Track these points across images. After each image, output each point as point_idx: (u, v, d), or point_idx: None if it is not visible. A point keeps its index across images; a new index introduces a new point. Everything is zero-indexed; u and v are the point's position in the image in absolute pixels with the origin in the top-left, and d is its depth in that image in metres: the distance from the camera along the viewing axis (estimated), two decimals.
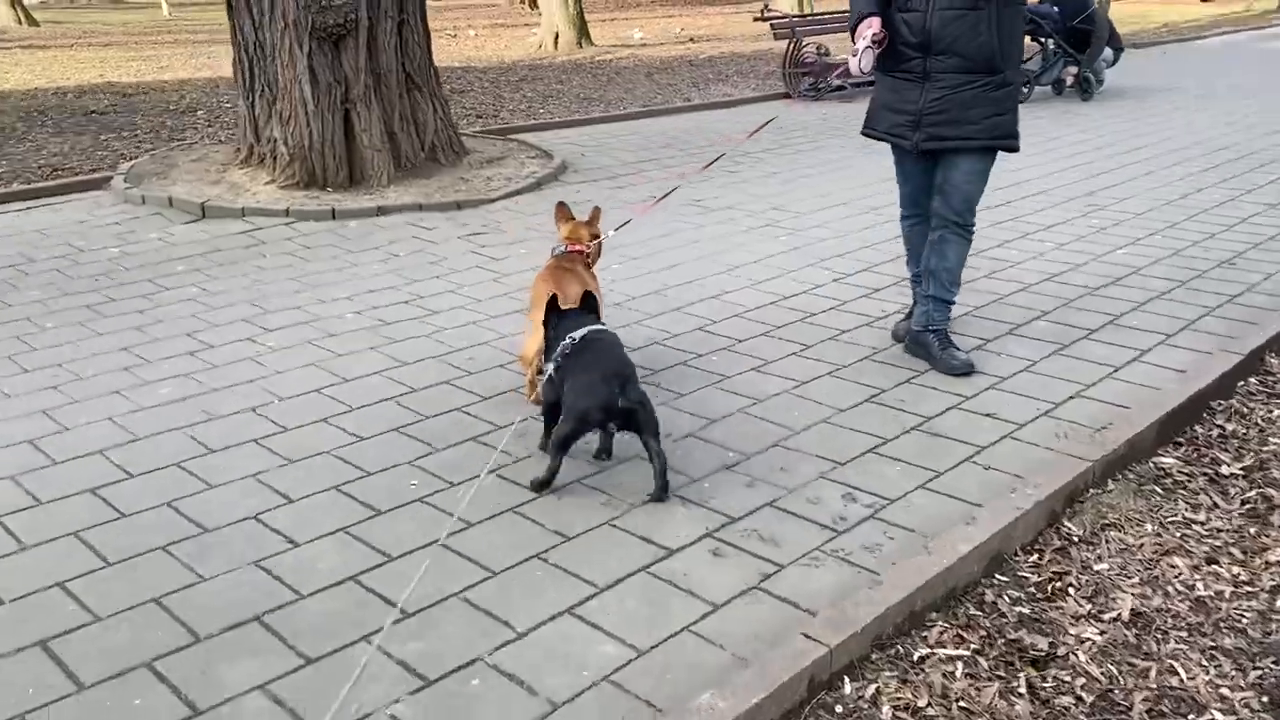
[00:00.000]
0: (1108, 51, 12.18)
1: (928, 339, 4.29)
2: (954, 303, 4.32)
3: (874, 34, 3.89)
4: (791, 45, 12.46)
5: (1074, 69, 12.04)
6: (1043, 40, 11.89)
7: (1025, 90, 11.54)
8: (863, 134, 4.39)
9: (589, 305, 3.59)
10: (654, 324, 4.91)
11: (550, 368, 3.34)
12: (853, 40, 4.00)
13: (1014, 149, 4.06)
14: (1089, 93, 11.92)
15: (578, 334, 3.34)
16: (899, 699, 2.38)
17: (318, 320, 5.01)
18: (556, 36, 18.54)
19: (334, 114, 7.31)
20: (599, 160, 8.82)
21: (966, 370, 4.17)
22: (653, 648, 2.56)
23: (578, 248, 4.06)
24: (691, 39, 20.17)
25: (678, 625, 2.65)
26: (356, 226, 6.76)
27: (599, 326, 3.46)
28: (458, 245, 6.33)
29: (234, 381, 4.27)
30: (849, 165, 8.50)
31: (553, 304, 3.52)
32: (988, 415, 3.85)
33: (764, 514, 3.22)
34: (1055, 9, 11.69)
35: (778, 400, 4.05)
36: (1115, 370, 4.23)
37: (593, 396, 3.18)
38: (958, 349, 4.26)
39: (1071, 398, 3.99)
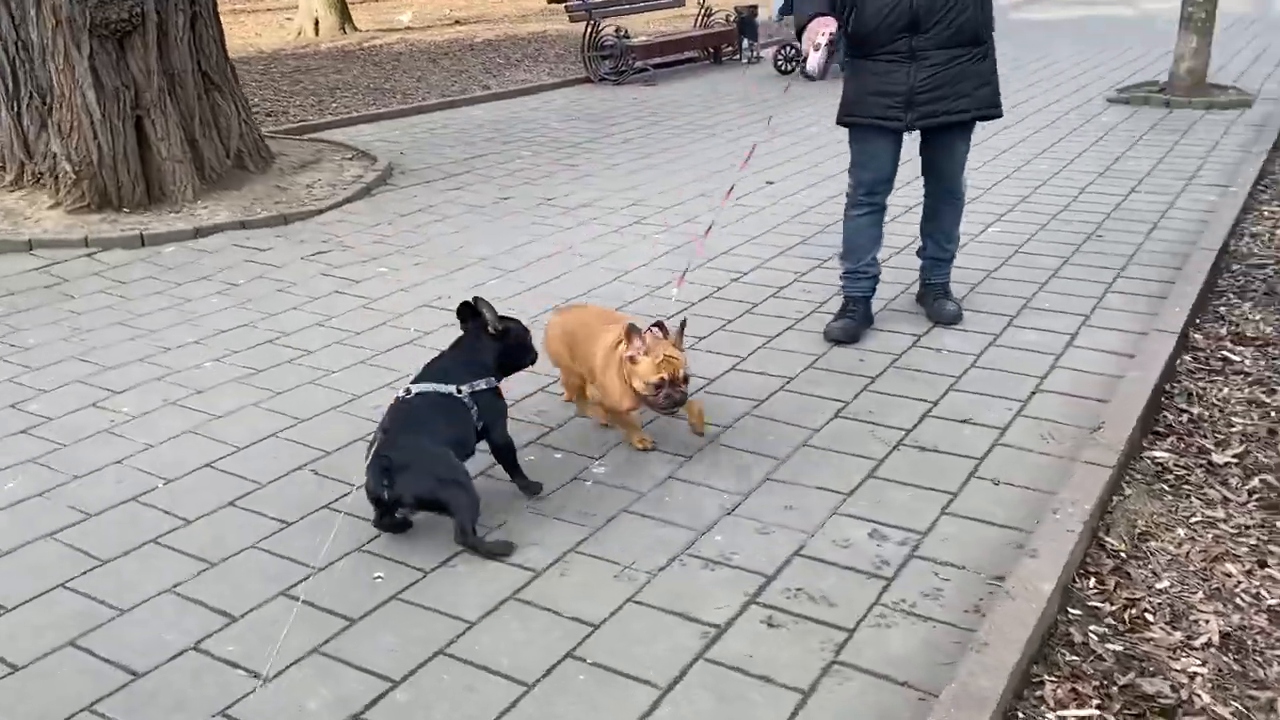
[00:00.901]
0: None
1: (925, 292, 4.62)
2: (954, 256, 4.59)
3: (831, 34, 3.72)
4: (589, 28, 12.09)
5: None
6: None
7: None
8: (841, 123, 4.23)
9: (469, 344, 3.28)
10: None
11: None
12: (799, 40, 3.82)
13: (1000, 115, 4.16)
14: None
15: (411, 390, 3.07)
16: None
17: (172, 373, 4.25)
18: (316, 22, 17.37)
19: (124, 123, 6.35)
20: (424, 158, 8.17)
21: (955, 318, 4.47)
22: None
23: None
24: (458, 21, 19.41)
25: None
26: (174, 253, 5.88)
27: (426, 387, 3.07)
28: (304, 268, 5.61)
29: (97, 464, 3.50)
30: (689, 152, 8.27)
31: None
32: (964, 421, 3.69)
33: (797, 567, 2.90)
34: None
35: (744, 425, 3.73)
36: (1058, 358, 4.19)
37: (369, 477, 2.91)
38: (950, 300, 4.54)
39: (1034, 393, 3.90)
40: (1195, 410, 3.72)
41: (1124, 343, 4.28)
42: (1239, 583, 2.78)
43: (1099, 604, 2.70)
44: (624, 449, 3.56)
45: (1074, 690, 2.39)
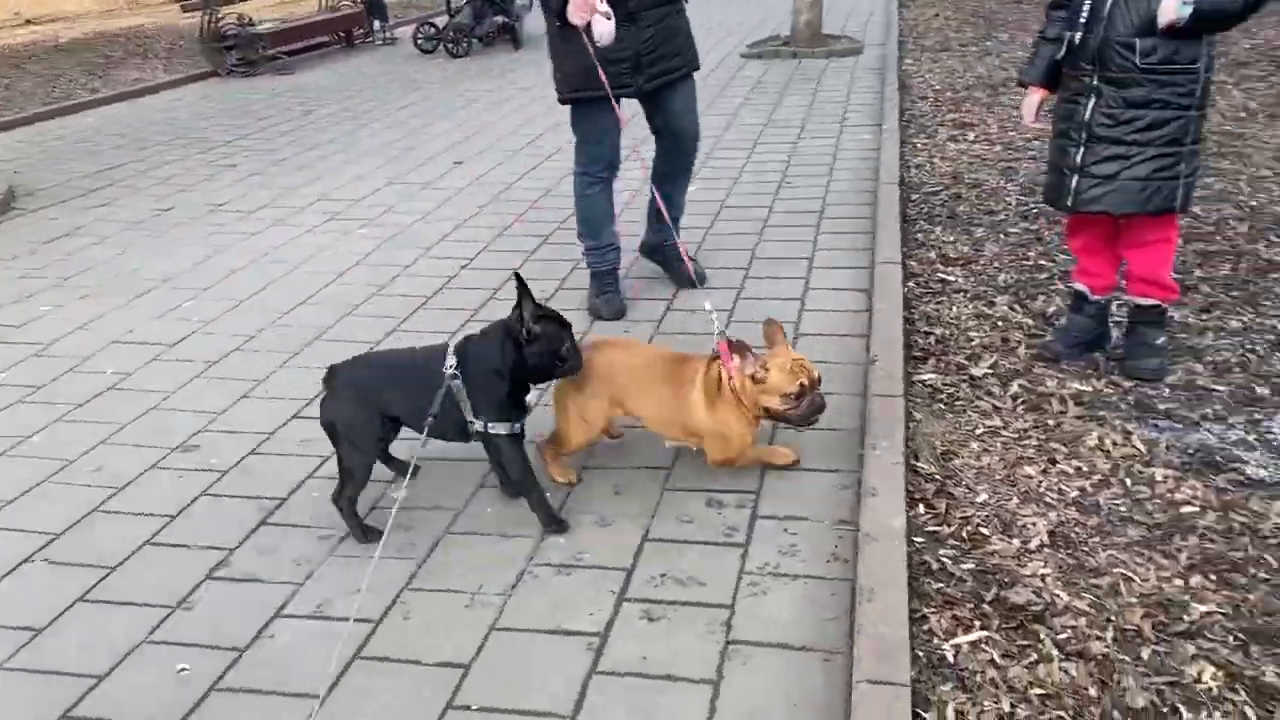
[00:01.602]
0: None
1: (667, 251, 4.53)
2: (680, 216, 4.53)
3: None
4: (206, 18, 11.04)
5: (500, 19, 12.20)
6: None
7: (465, 45, 11.49)
8: (565, 101, 4.02)
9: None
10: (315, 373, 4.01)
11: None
12: (560, 16, 3.70)
13: (699, 67, 4.21)
14: (519, 41, 12.19)
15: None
16: (977, 715, 2.18)
17: None
18: None
19: None
20: (48, 176, 7.08)
21: (701, 278, 4.44)
22: None
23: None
24: (30, 21, 17.07)
25: None
26: None
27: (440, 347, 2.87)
28: None
29: None
30: (357, 139, 7.80)
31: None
32: None
33: (651, 553, 2.79)
34: None
35: (533, 418, 3.53)
36: (802, 302, 4.36)
37: None
38: (690, 259, 4.16)
39: (797, 339, 4.01)
40: (938, 331, 3.99)
41: (854, 279, 4.52)
42: (1040, 482, 3.00)
43: (937, 528, 2.81)
44: (420, 467, 3.25)
45: (954, 617, 2.46)
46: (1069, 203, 3.44)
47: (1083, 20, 3.25)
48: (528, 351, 2.75)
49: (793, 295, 4.41)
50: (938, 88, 8.16)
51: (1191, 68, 3.16)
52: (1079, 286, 3.68)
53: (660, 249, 4.63)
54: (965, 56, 9.33)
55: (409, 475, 2.90)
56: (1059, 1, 3.42)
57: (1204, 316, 3.94)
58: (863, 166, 6.25)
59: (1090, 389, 3.48)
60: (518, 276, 2.78)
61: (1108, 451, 3.12)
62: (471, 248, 5.24)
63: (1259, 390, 3.40)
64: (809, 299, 4.38)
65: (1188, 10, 3.01)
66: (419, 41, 11.97)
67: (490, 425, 2.76)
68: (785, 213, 5.51)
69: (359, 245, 5.39)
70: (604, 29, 3.65)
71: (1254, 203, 5.11)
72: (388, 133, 7.95)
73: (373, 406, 2.78)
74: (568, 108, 4.10)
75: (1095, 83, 3.27)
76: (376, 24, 13.09)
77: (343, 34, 12.82)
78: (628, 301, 4.38)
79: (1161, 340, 3.59)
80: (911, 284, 4.45)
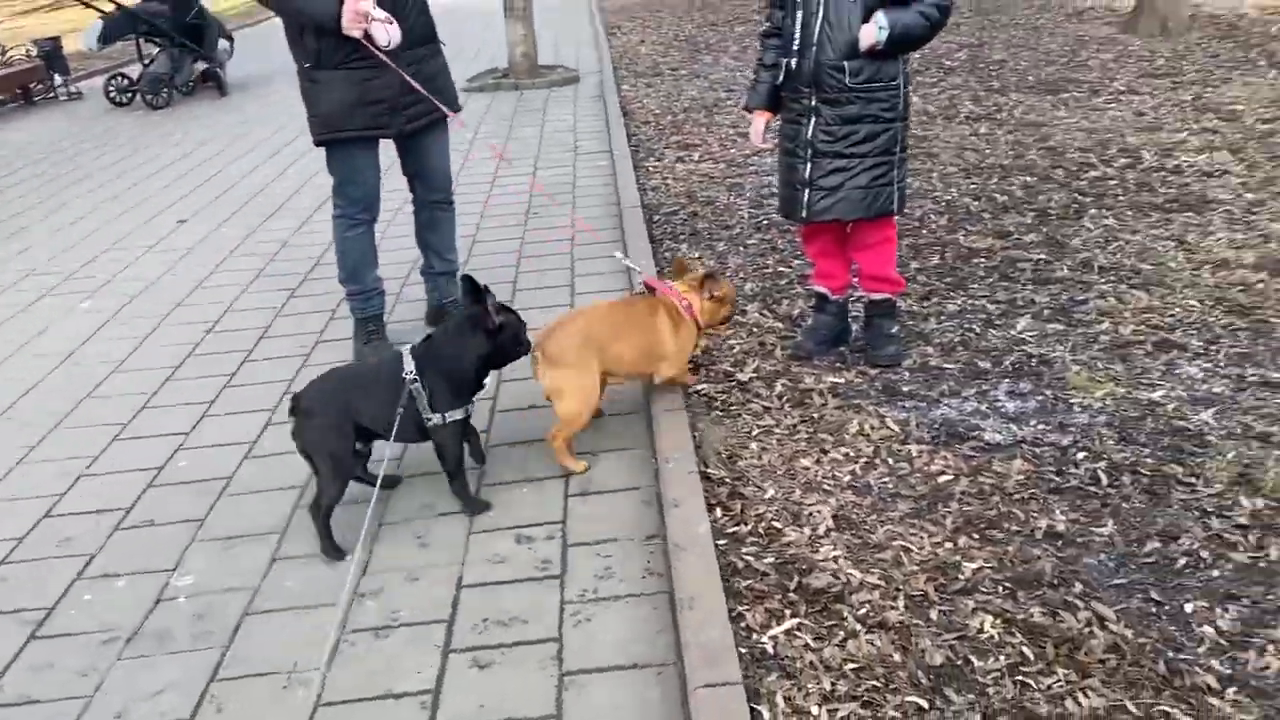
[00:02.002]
0: (223, 43, 12.00)
1: (440, 310, 4.52)
2: (459, 268, 4.47)
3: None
4: None
5: (200, 65, 11.63)
6: (160, 40, 11.20)
7: (166, 95, 10.89)
8: (321, 141, 3.96)
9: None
10: (62, 465, 3.71)
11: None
12: (333, 35, 3.70)
13: (460, 108, 4.25)
14: (224, 87, 11.66)
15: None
16: (804, 698, 2.35)
17: None
18: None
19: None
20: None
21: None
22: None
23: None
24: None
25: None
26: None
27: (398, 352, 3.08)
28: None
29: None
30: (63, 204, 7.21)
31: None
32: (529, 408, 3.78)
33: (469, 600, 2.80)
34: (164, 6, 11.06)
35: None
36: None
37: None
38: None
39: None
40: (702, 343, 4.20)
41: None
42: (816, 472, 3.25)
43: (736, 528, 2.98)
44: (197, 548, 3.08)
45: (767, 610, 2.62)
46: (803, 215, 3.74)
47: (795, 48, 3.56)
48: (499, 340, 3.05)
49: (563, 303, 4.49)
50: (657, 111, 8.55)
51: (893, 84, 3.53)
52: (819, 289, 4.00)
53: (444, 309, 4.55)
54: (677, 80, 9.83)
55: (377, 486, 2.97)
56: (770, 30, 3.71)
57: (924, 304, 4.38)
58: (605, 192, 6.46)
59: (844, 380, 3.79)
60: (468, 278, 3.06)
61: (868, 435, 3.41)
62: (214, 309, 4.99)
63: (981, 364, 3.83)
64: None
65: (884, 34, 3.37)
66: (111, 94, 11.18)
67: (447, 415, 2.99)
68: (538, 243, 5.61)
69: (83, 321, 4.99)
70: (388, 33, 3.67)
71: (948, 197, 5.73)
72: (96, 193, 7.40)
73: (344, 415, 2.92)
74: (314, 151, 4.12)
75: (813, 104, 3.58)
76: (57, 78, 12.10)
77: (20, 90, 11.75)
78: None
79: (895, 329, 3.97)
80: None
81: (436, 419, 2.98)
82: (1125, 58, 9.24)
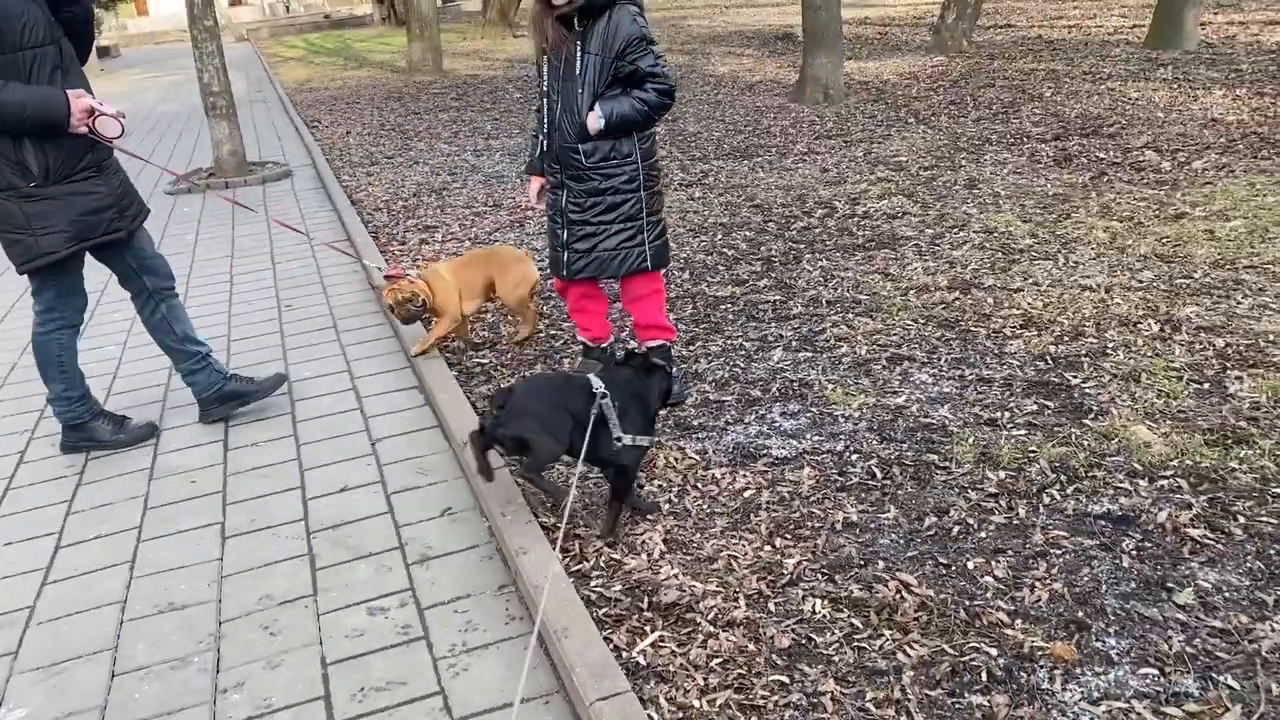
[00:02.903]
0: None
1: (223, 398, 4.50)
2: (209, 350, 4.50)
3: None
4: None
5: None
6: None
7: None
8: (51, 264, 3.88)
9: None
10: None
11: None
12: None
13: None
14: None
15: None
16: (684, 696, 2.62)
17: None
18: None
19: None
20: None
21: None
22: None
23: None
24: None
25: None
26: None
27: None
28: None
29: None
30: None
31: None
32: (341, 490, 3.85)
33: (340, 673, 2.85)
34: None
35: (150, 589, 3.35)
36: (364, 411, 4.53)
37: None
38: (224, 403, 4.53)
39: (375, 443, 4.20)
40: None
41: (400, 379, 4.81)
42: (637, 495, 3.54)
43: (580, 565, 3.21)
44: (19, 680, 2.93)
45: (628, 630, 2.87)
46: (564, 273, 4.11)
47: (545, 129, 3.96)
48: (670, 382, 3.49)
49: (349, 407, 4.56)
50: (386, 198, 8.67)
51: (628, 160, 3.92)
52: (584, 340, 4.38)
53: (234, 395, 4.53)
54: (396, 168, 9.99)
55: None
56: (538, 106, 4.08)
57: (691, 348, 4.84)
58: (355, 278, 6.51)
59: None
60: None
61: (675, 466, 3.76)
62: None
63: (753, 393, 4.30)
64: (368, 406, 4.56)
65: (603, 123, 3.78)
66: None
67: (637, 438, 3.23)
68: (300, 334, 5.59)
69: None
70: (114, 126, 3.74)
71: (684, 254, 6.29)
72: None
73: (560, 405, 3.14)
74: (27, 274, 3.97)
75: (562, 179, 3.97)
76: None
77: None
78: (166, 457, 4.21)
79: (674, 371, 4.38)
80: (454, 371, 4.83)
81: (627, 439, 3.18)
82: (800, 123, 10.42)
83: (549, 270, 4.39)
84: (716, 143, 9.82)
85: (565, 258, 4.08)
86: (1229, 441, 3.49)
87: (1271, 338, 4.27)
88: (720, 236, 6.62)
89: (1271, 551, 2.90)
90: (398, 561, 3.34)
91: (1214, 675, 2.46)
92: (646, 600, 2.99)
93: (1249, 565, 2.85)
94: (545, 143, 4.01)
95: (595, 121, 3.78)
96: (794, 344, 4.74)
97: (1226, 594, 2.74)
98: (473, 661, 2.81)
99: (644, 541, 3.29)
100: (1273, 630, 2.58)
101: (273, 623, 3.09)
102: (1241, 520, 3.05)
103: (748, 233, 6.66)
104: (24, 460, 4.36)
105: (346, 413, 4.51)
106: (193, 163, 11.44)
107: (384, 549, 3.42)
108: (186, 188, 10.24)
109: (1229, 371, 4.00)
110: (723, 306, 5.35)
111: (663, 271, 4.32)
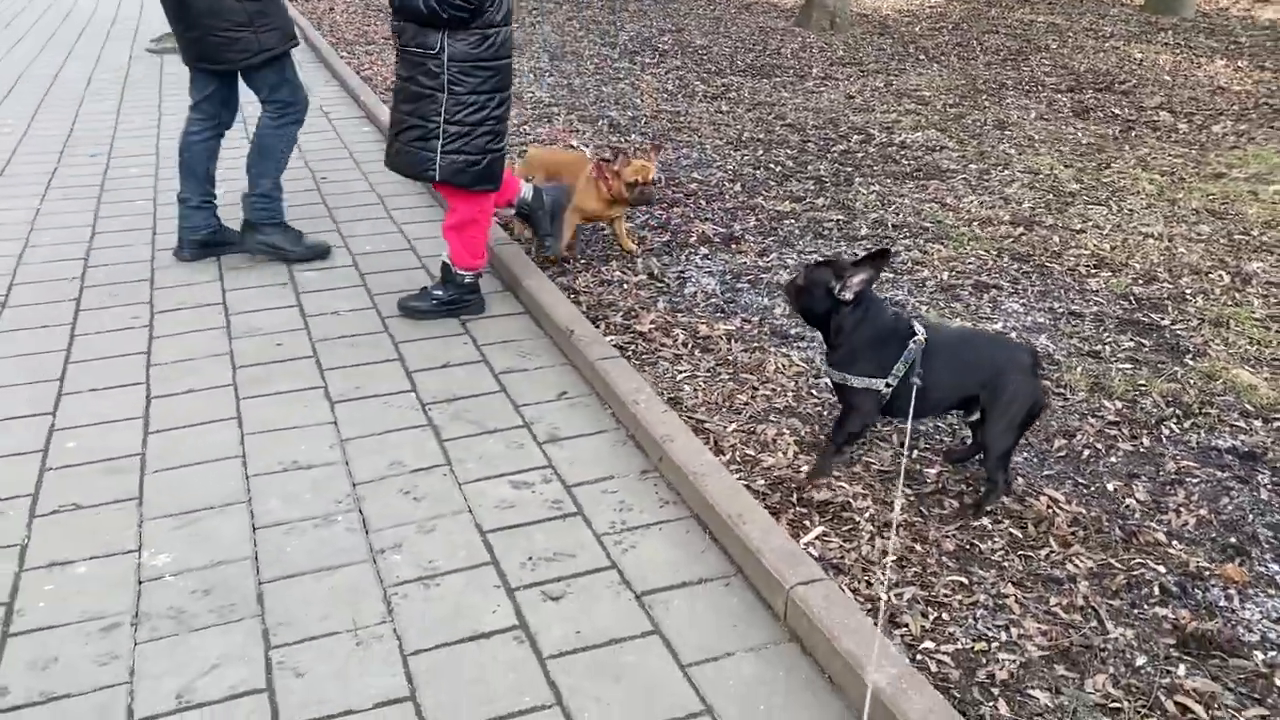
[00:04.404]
0: None
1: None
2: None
3: None
4: None
5: None
6: None
7: None
8: (265, 58, 4.23)
9: None
10: None
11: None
12: None
13: None
14: None
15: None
16: (865, 588, 2.64)
17: None
18: None
19: None
20: None
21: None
22: None
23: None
24: None
25: None
26: None
27: None
28: None
29: None
30: None
31: None
32: (444, 367, 3.75)
33: (500, 543, 2.80)
34: None
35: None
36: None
37: None
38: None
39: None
40: (584, 300, 4.33)
41: None
42: (758, 403, 3.53)
43: (717, 458, 3.19)
44: None
45: (788, 521, 2.87)
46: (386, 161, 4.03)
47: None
48: None
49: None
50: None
51: (431, 53, 3.58)
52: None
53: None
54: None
55: None
56: None
57: (766, 258, 4.79)
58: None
59: (734, 327, 4.09)
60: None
61: (784, 371, 3.75)
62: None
63: None
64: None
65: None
66: None
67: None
68: (346, 207, 5.39)
69: None
70: None
71: (730, 166, 6.20)
72: None
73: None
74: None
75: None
76: None
77: None
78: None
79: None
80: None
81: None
82: (809, 48, 10.31)
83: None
84: (729, 58, 9.67)
85: (389, 144, 3.94)
86: None
87: None
88: (762, 152, 6.55)
89: None
90: (527, 439, 3.28)
91: None
92: (796, 495, 2.98)
93: None
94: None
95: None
96: None
97: None
98: (638, 540, 2.79)
99: (775, 440, 3.28)
100: None
101: (413, 488, 3.01)
102: None
103: (789, 150, 6.60)
104: (80, 308, 4.14)
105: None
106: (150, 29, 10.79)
107: (509, 426, 3.34)
108: (172, 46, 9.69)
109: None
110: (786, 222, 5.31)
111: (481, 201, 3.98)
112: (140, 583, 2.60)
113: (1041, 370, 3.05)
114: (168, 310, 4.12)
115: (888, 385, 2.79)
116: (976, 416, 2.89)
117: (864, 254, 2.90)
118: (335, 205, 5.44)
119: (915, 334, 2.79)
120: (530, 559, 2.71)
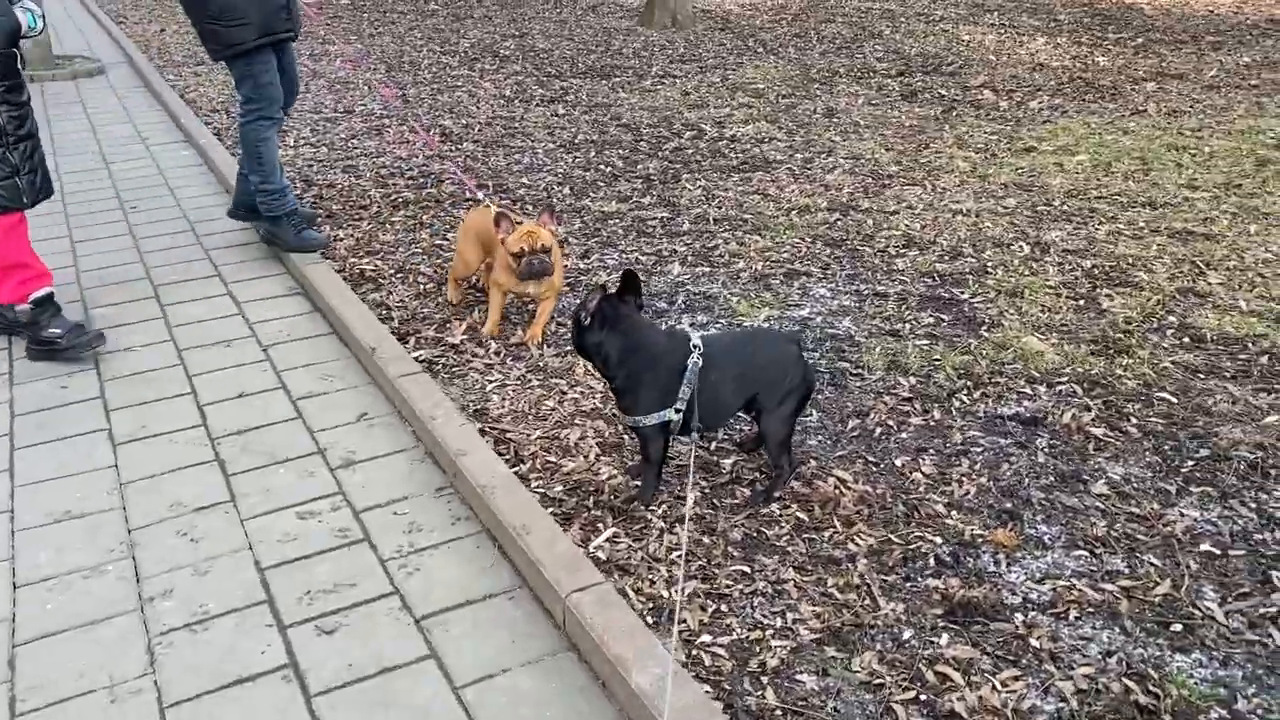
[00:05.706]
0: None
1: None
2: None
3: None
4: None
5: None
6: None
7: None
8: (250, 50, 4.32)
9: None
10: None
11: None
12: None
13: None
14: None
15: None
16: (649, 586, 2.64)
17: None
18: None
19: None
20: None
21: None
22: None
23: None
24: None
25: None
26: None
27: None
28: None
29: None
30: None
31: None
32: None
33: (279, 578, 2.72)
34: None
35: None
36: (245, 317, 4.28)
37: None
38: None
39: (269, 348, 3.98)
40: (396, 315, 4.26)
41: (279, 285, 4.53)
42: (566, 408, 3.51)
43: (518, 468, 3.15)
44: None
45: (581, 526, 2.86)
46: None
47: None
48: None
49: (229, 312, 4.29)
50: (222, 100, 8.10)
51: None
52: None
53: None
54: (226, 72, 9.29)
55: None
56: None
57: (587, 260, 4.78)
58: (204, 180, 6.08)
59: (547, 332, 4.06)
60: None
61: (594, 372, 3.73)
62: None
63: (660, 305, 4.30)
64: (249, 312, 4.29)
65: None
66: None
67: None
68: (153, 236, 5.19)
69: None
70: None
71: (560, 169, 6.17)
72: None
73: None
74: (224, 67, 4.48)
75: None
76: None
77: None
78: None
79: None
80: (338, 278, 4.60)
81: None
82: (651, 46, 10.38)
83: None
84: (570, 61, 9.66)
85: None
86: (1111, 352, 3.77)
87: (1131, 260, 4.62)
88: (594, 154, 6.55)
89: (1166, 447, 3.17)
90: (319, 466, 3.19)
91: (1138, 555, 2.68)
92: (592, 499, 2.97)
93: (1149, 459, 3.11)
94: None
95: None
96: (690, 259, 4.77)
97: (1134, 485, 2.98)
98: (424, 561, 2.74)
99: (578, 444, 3.26)
100: (1181, 515, 2.83)
101: (191, 529, 2.90)
102: (1134, 421, 3.32)
103: (620, 150, 6.62)
104: None
105: (227, 318, 4.24)
106: None
107: (301, 454, 3.25)
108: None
109: (1099, 290, 4.31)
110: (611, 222, 5.31)
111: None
112: None
113: (805, 351, 3.16)
114: None
115: (678, 411, 2.76)
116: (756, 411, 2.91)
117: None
118: (143, 235, 5.23)
119: (692, 349, 2.77)
120: (308, 593, 2.63)
